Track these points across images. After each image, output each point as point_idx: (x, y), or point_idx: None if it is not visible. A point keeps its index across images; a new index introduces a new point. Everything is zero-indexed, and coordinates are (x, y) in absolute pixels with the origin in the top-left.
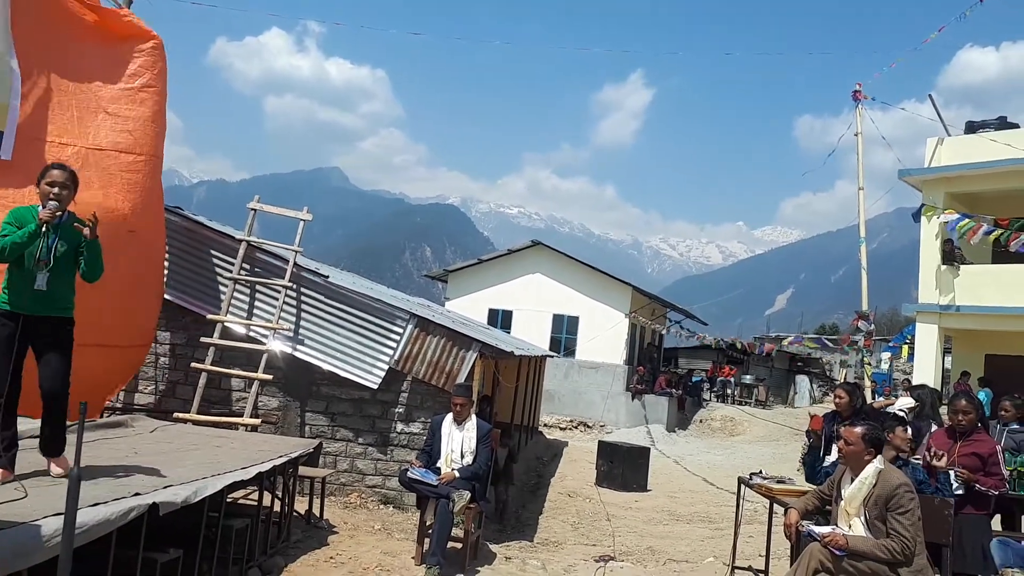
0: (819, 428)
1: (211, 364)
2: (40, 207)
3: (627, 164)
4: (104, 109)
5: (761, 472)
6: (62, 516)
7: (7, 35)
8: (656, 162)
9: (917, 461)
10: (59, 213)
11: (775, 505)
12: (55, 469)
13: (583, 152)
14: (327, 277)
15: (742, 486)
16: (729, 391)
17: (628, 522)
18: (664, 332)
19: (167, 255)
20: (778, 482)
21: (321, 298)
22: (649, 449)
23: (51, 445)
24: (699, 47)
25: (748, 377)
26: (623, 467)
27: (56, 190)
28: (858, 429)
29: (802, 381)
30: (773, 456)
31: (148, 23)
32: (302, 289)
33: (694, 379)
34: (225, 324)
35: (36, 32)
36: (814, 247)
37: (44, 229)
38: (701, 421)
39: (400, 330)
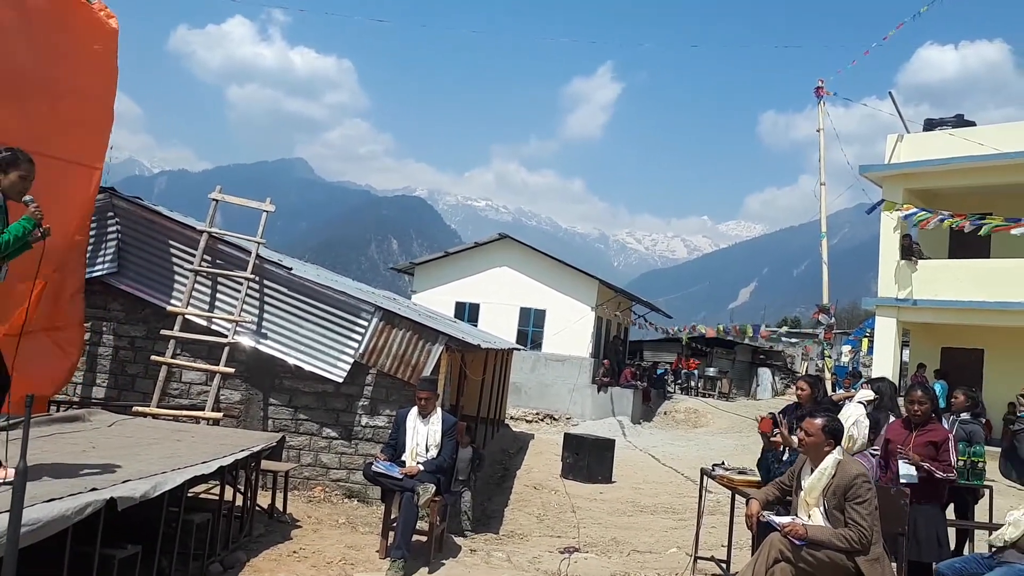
0: (768, 430)
1: (171, 357)
2: None
3: (595, 157)
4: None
5: (723, 463)
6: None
7: None
8: (624, 156)
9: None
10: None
11: (737, 496)
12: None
13: (551, 145)
14: (291, 269)
15: (705, 477)
16: (693, 383)
17: (593, 513)
18: (629, 325)
19: (128, 245)
20: (740, 473)
21: (284, 290)
22: (614, 441)
23: None
24: (667, 41)
25: (711, 369)
26: (588, 459)
27: (28, 184)
28: (818, 420)
29: (764, 373)
30: (736, 447)
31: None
32: (265, 281)
33: (659, 372)
34: (186, 316)
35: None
36: (777, 242)
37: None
38: (666, 413)
39: (365, 323)
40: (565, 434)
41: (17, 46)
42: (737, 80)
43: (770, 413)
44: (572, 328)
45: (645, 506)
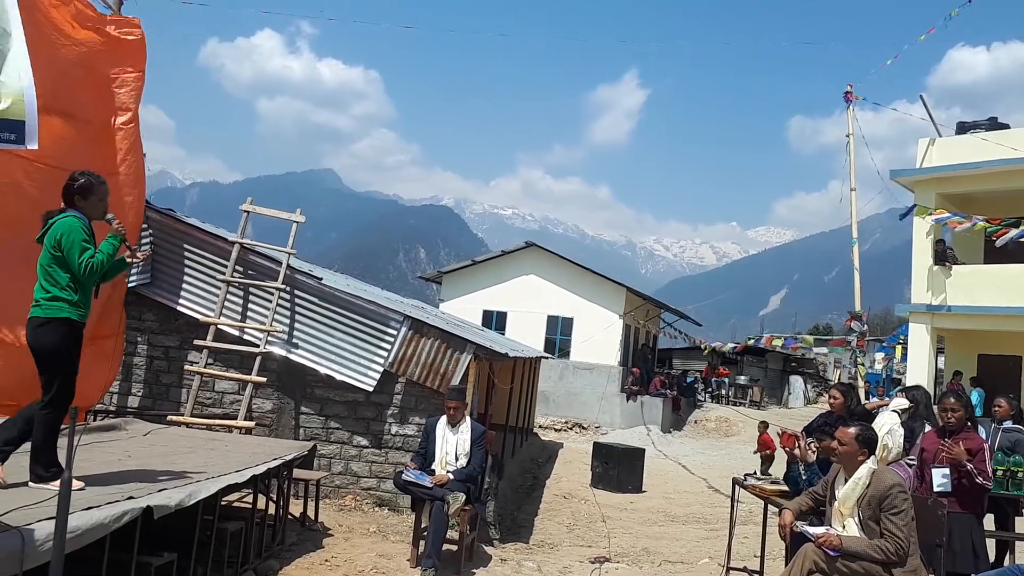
0: (791, 445)
1: (204, 367)
2: (77, 212)
3: (621, 164)
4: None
5: (755, 473)
6: (52, 520)
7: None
8: (650, 162)
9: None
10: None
11: (769, 506)
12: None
13: (577, 152)
14: (321, 279)
15: (737, 487)
16: (723, 391)
17: (623, 523)
18: (658, 333)
19: (162, 256)
20: (772, 483)
21: (315, 300)
22: (644, 450)
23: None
24: (693, 42)
25: (742, 378)
26: (618, 468)
27: (106, 205)
28: (851, 429)
29: (796, 381)
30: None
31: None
32: (296, 291)
33: (688, 380)
34: (218, 327)
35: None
36: (807, 247)
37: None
38: (696, 422)
39: (394, 332)
40: (594, 443)
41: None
42: (765, 86)
43: (791, 431)
44: (600, 336)
45: (676, 516)
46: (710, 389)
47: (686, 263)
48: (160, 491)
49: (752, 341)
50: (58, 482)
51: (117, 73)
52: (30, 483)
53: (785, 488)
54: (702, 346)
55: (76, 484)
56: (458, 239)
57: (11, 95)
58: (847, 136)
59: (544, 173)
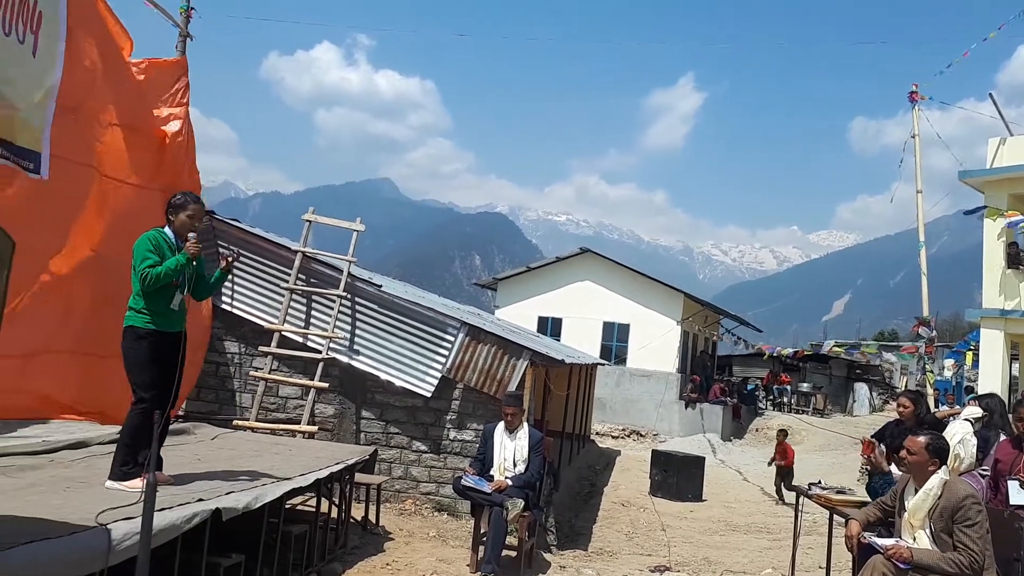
0: (870, 454)
1: (269, 372)
2: (166, 231)
3: (677, 169)
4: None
5: (820, 482)
6: (133, 520)
7: (58, 61)
8: (706, 166)
9: (986, 472)
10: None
11: (835, 516)
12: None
13: (631, 158)
14: (380, 287)
15: (800, 496)
16: (785, 399)
17: (683, 532)
18: (717, 340)
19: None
20: (838, 492)
21: (375, 307)
22: (704, 458)
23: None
24: (751, 47)
25: (805, 385)
26: (677, 476)
27: (197, 223)
28: (921, 439)
29: (861, 389)
30: (832, 466)
31: (202, 39)
32: (356, 298)
33: (749, 387)
34: (282, 333)
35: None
36: (871, 251)
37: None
38: (757, 430)
39: (452, 338)
40: (653, 451)
41: (129, 91)
42: (825, 87)
43: (870, 438)
44: (657, 343)
45: (737, 525)
46: (771, 397)
47: (745, 268)
48: (228, 494)
49: (813, 347)
50: (130, 481)
51: (169, 85)
52: (107, 482)
53: (852, 498)
54: (762, 352)
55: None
56: (513, 246)
57: (31, 128)
58: (912, 137)
59: (598, 179)
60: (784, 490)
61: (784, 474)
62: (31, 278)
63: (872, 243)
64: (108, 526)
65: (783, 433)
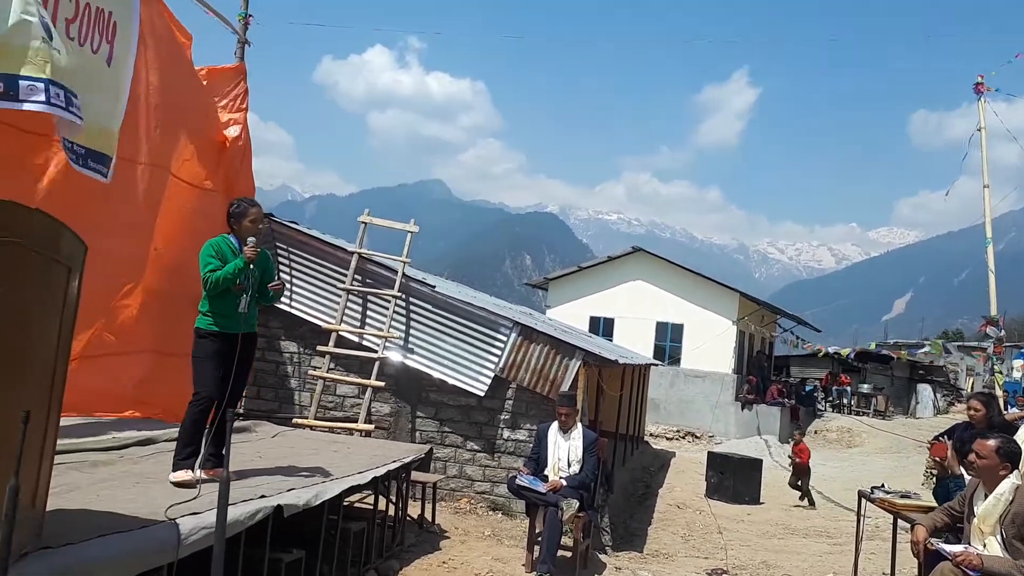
0: (943, 456)
1: (327, 371)
2: (231, 237)
3: (731, 166)
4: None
5: (883, 486)
6: (200, 515)
7: (130, 68)
8: (762, 163)
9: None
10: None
11: (899, 521)
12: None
13: (684, 155)
14: (434, 287)
15: (863, 500)
16: (845, 401)
17: (741, 535)
18: (774, 340)
19: (286, 267)
20: (902, 497)
21: (428, 307)
22: (761, 461)
23: (222, 457)
24: (806, 40)
25: (866, 386)
26: (734, 479)
27: (259, 226)
28: (991, 442)
29: (924, 390)
30: (895, 469)
31: (259, 45)
32: (411, 299)
33: (807, 388)
34: (339, 333)
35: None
36: (934, 248)
37: (251, 266)
38: (816, 432)
39: (504, 338)
40: (709, 452)
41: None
42: (883, 80)
43: (940, 439)
44: (712, 343)
45: (796, 529)
46: (830, 398)
47: (802, 266)
48: (289, 491)
49: (874, 347)
50: (177, 472)
51: (229, 91)
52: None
53: (918, 503)
54: (821, 352)
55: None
56: (563, 245)
57: (102, 132)
58: (978, 130)
59: (650, 177)
60: (802, 490)
61: (800, 473)
62: (112, 282)
63: (934, 240)
64: (176, 520)
65: (800, 433)
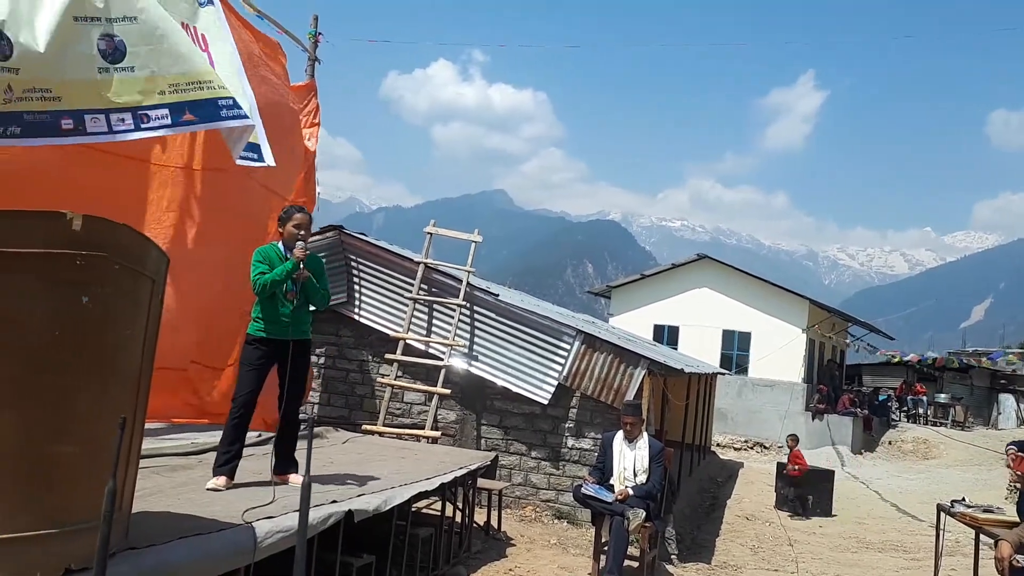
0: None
1: (395, 379)
2: (278, 244)
3: (798, 170)
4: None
5: (964, 499)
6: (273, 519)
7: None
8: (830, 167)
9: None
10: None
11: (981, 536)
12: (296, 479)
13: (749, 160)
14: (497, 296)
15: (942, 514)
16: (921, 411)
17: (812, 548)
18: (845, 348)
19: (355, 277)
20: (984, 511)
21: (492, 316)
22: (833, 472)
23: (291, 461)
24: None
25: (943, 396)
26: (805, 490)
27: (302, 232)
28: None
29: (1007, 400)
30: (975, 482)
31: (328, 62)
32: (475, 307)
33: (881, 398)
34: (406, 341)
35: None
36: (1016, 253)
37: (301, 266)
38: (890, 443)
39: (567, 346)
40: (778, 463)
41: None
42: (958, 79)
43: (1012, 444)
44: (781, 351)
45: (871, 543)
46: (905, 408)
47: (874, 272)
48: (359, 496)
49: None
50: (212, 480)
51: (302, 107)
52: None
53: (1001, 517)
54: (894, 359)
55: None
56: (625, 253)
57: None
58: None
59: (714, 182)
60: (792, 501)
61: (794, 483)
62: (206, 293)
63: (1016, 244)
64: (253, 524)
65: (794, 439)
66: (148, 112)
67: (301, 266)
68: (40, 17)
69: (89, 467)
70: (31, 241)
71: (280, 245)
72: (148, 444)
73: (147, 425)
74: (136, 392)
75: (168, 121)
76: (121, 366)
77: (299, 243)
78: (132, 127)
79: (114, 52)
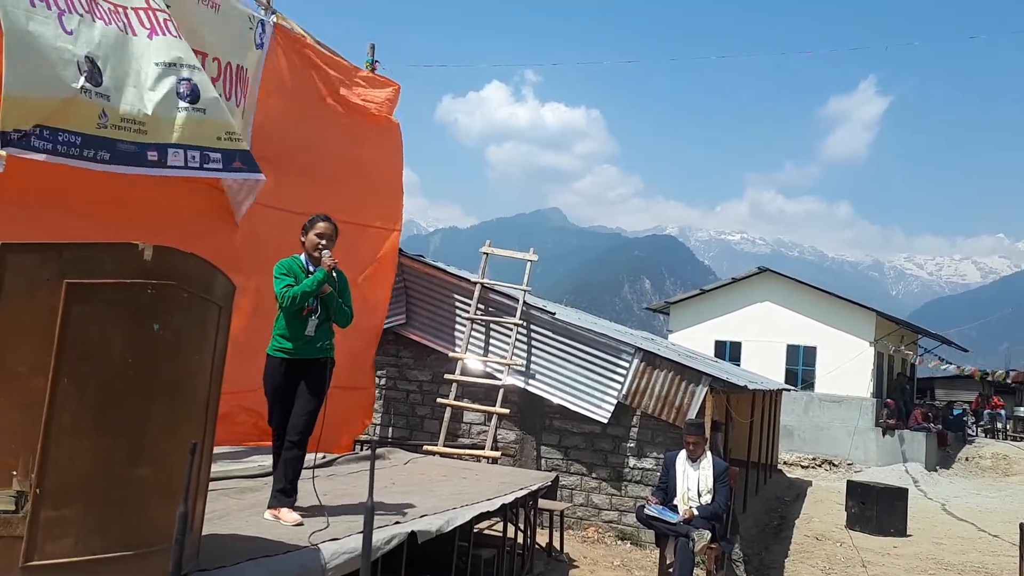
0: None
1: (453, 399)
2: (300, 257)
3: (861, 179)
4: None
5: None
6: (337, 541)
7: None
8: (895, 174)
9: None
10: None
11: None
12: (289, 517)
13: (810, 170)
14: (554, 314)
15: None
16: (999, 425)
17: (887, 569)
18: (916, 362)
19: (414, 298)
20: None
21: (549, 334)
22: (907, 490)
23: (285, 493)
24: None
25: (1022, 409)
26: (877, 509)
27: (324, 241)
28: None
29: None
30: None
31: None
32: (532, 326)
33: (955, 412)
34: (465, 361)
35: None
36: None
37: (334, 275)
38: (967, 459)
39: (626, 364)
40: (848, 481)
41: (335, 136)
42: None
43: None
44: (848, 366)
45: (950, 564)
46: (982, 423)
47: (944, 282)
48: (422, 517)
49: None
50: (272, 510)
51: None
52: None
53: None
54: (973, 375)
55: (292, 518)
56: (683, 268)
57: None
58: None
59: (775, 193)
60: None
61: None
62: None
63: None
64: (319, 546)
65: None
66: (210, 153)
67: (334, 274)
68: (128, 52)
69: (161, 491)
70: (105, 271)
71: (302, 257)
72: (216, 467)
73: (215, 449)
74: (205, 417)
75: (220, 166)
76: (191, 392)
77: (326, 252)
78: (198, 165)
79: (191, 93)
